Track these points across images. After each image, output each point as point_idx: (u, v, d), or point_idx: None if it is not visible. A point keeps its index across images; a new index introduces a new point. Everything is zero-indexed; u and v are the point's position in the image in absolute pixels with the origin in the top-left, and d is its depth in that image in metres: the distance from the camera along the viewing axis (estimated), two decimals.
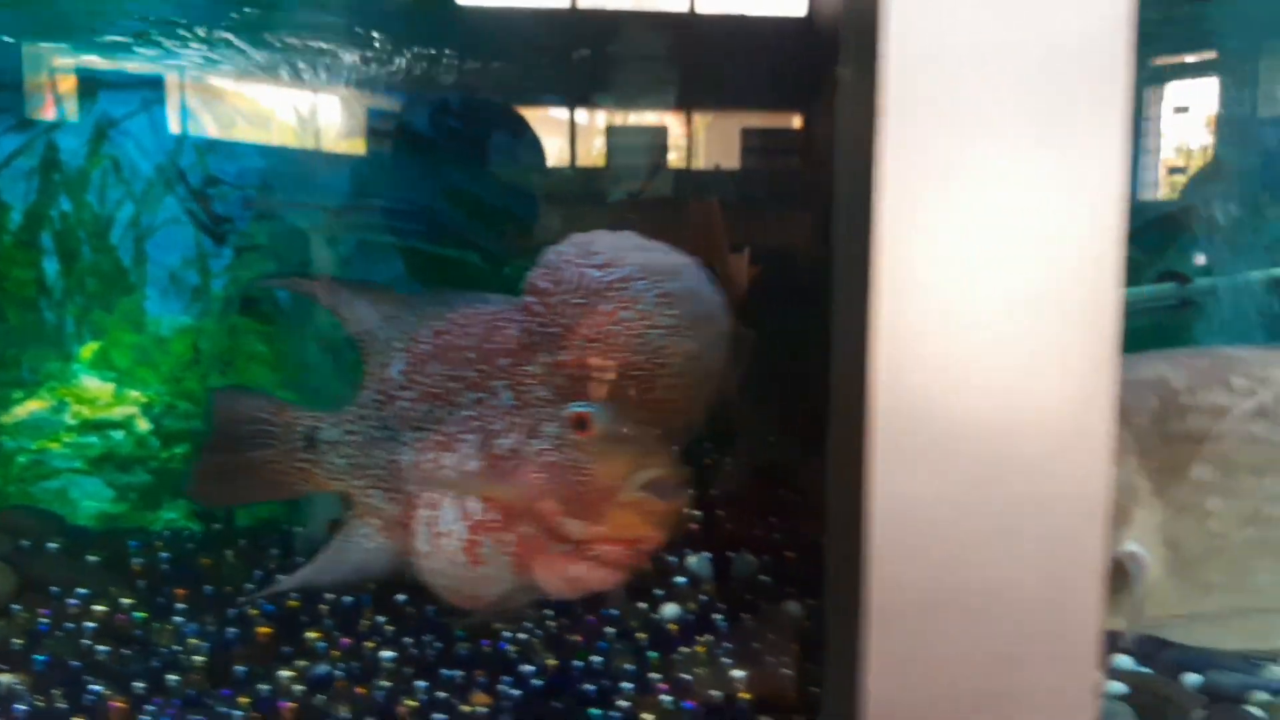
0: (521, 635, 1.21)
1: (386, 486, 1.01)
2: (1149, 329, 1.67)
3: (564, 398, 0.91)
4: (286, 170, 1.66)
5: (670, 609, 1.25)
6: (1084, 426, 0.67)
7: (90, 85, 1.63)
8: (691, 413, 0.93)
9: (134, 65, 1.63)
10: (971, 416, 0.66)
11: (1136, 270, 1.75)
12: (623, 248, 0.93)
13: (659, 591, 1.29)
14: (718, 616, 1.24)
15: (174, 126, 1.62)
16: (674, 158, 1.73)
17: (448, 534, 0.94)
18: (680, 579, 1.31)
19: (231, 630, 1.24)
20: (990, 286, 0.66)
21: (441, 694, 1.11)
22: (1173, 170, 1.92)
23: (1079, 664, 0.68)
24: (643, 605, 1.27)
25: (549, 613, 1.24)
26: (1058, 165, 0.65)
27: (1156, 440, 0.88)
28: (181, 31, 1.55)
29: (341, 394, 1.13)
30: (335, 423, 1.07)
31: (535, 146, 1.76)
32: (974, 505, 0.66)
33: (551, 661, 1.15)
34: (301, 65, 1.60)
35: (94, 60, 1.63)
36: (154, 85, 1.62)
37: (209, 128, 1.63)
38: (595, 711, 1.03)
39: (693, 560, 1.35)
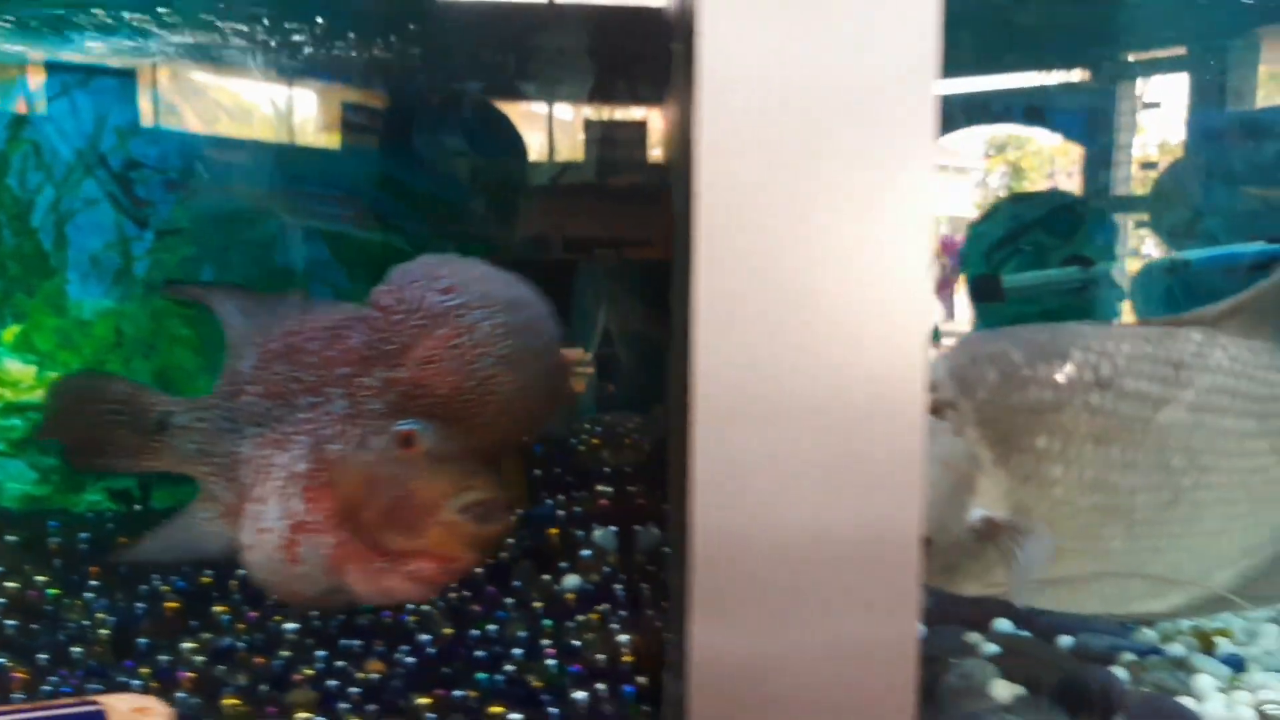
0: (425, 607, 1.24)
1: (227, 475, 1.05)
2: (1055, 310, 1.73)
3: (395, 413, 0.94)
4: (210, 154, 1.67)
5: (571, 580, 1.29)
6: (900, 391, 0.71)
7: (9, 69, 1.64)
8: (518, 441, 0.98)
9: (55, 49, 1.63)
10: (790, 383, 0.69)
11: (1045, 254, 1.81)
12: (468, 276, 0.98)
13: (564, 564, 1.33)
14: (617, 586, 1.28)
15: (95, 110, 1.62)
16: (603, 148, 1.76)
17: (270, 530, 0.98)
18: (585, 551, 1.35)
19: (140, 605, 1.27)
20: (807, 270, 0.69)
21: (339, 663, 1.14)
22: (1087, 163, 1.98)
23: (899, 613, 0.72)
24: (546, 577, 1.31)
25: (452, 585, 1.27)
26: (870, 159, 0.69)
27: (996, 411, 0.92)
28: (103, 15, 1.56)
29: None
30: (189, 409, 1.11)
31: (464, 133, 1.79)
32: (794, 463, 0.70)
33: (448, 630, 1.18)
34: (225, 50, 1.62)
35: (14, 44, 1.64)
36: (74, 69, 1.63)
37: (130, 111, 1.64)
38: (482, 676, 1.07)
39: (599, 534, 1.39)
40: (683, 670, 0.71)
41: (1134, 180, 1.76)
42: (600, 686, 1.02)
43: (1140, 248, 1.77)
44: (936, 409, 0.91)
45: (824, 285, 0.69)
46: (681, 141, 0.74)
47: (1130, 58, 1.84)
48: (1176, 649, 1.20)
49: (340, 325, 1.02)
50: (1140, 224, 1.80)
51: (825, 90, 0.68)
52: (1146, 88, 1.90)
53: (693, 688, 0.70)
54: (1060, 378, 0.92)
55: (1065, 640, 1.21)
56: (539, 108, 1.78)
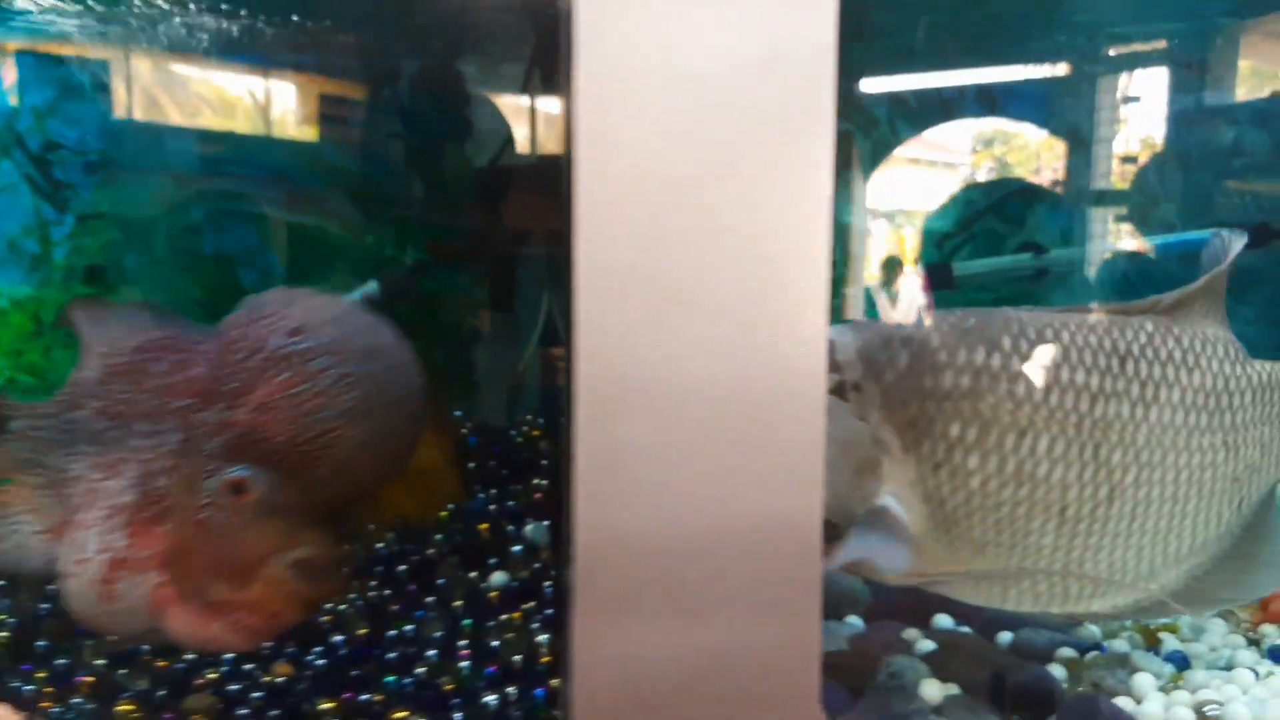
0: (341, 606, 1.19)
1: (55, 492, 0.99)
2: (1008, 297, 1.69)
3: (230, 456, 0.89)
4: (132, 136, 1.61)
5: (498, 577, 1.24)
6: (797, 378, 0.66)
7: None
8: (358, 497, 0.95)
9: None
10: (678, 369, 0.65)
11: (998, 241, 1.77)
12: (321, 318, 0.93)
13: (492, 560, 1.28)
14: (546, 583, 1.23)
15: (10, 90, 1.56)
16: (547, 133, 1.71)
17: (88, 560, 0.92)
18: (516, 547, 1.30)
19: (44, 606, 1.21)
20: (696, 250, 0.64)
21: (247, 665, 1.09)
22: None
23: (799, 612, 0.68)
24: (472, 574, 1.26)
25: (372, 582, 1.22)
26: (766, 135, 0.64)
27: (905, 396, 0.88)
28: None
29: None
30: (26, 414, 1.04)
31: (401, 115, 1.73)
32: (683, 453, 0.65)
33: (363, 630, 1.13)
34: (148, 28, 1.55)
35: None
36: None
37: (48, 91, 1.57)
38: (390, 679, 1.02)
39: (530, 528, 1.34)
40: (567, 672, 0.66)
41: (1100, 169, 1.72)
42: (510, 690, 0.98)
43: (1100, 235, 1.74)
44: (839, 390, 0.87)
45: (715, 267, 0.64)
46: (565, 109, 0.69)
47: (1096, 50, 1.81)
48: (1120, 645, 1.17)
49: (186, 351, 0.96)
50: (1098, 211, 1.77)
51: (718, 58, 0.63)
52: (1120, 81, 1.87)
53: (575, 691, 0.65)
54: (981, 364, 0.88)
55: (1005, 636, 1.17)
56: (481, 90, 1.72)
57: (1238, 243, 1.08)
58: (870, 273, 1.82)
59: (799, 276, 0.66)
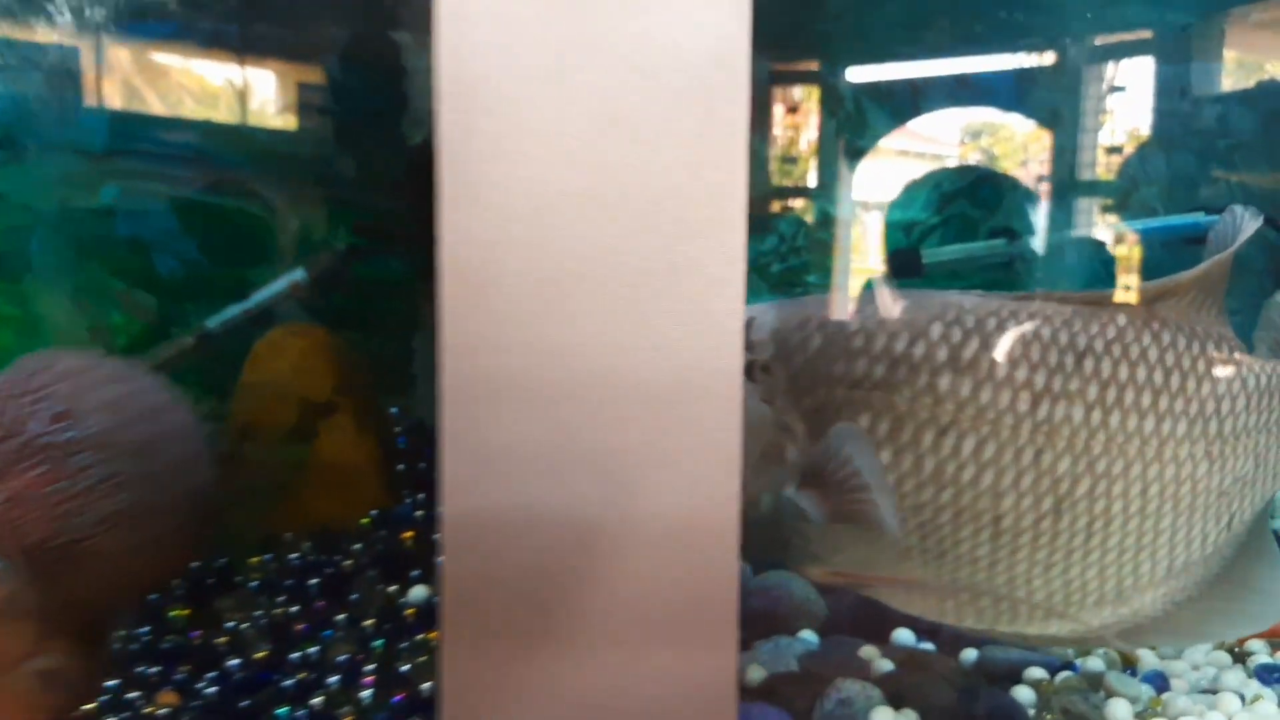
0: (244, 625, 1.08)
1: None
2: (981, 285, 1.60)
3: None
4: (38, 111, 1.48)
5: (418, 592, 1.14)
6: (712, 366, 0.56)
7: None
8: (120, 605, 0.86)
9: None
10: (568, 362, 0.54)
11: (971, 226, 1.68)
12: (94, 401, 0.82)
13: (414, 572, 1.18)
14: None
15: None
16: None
17: None
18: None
19: None
20: (585, 222, 0.54)
21: (131, 694, 0.98)
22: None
23: (712, 637, 0.58)
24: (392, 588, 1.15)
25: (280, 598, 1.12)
26: (668, 90, 0.54)
27: (812, 381, 0.78)
28: None
29: None
30: None
31: (330, 87, 1.61)
32: (577, 456, 0.55)
33: (261, 654, 1.02)
34: None
35: None
36: None
37: None
38: (282, 711, 0.91)
39: None
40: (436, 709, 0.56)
41: (1079, 153, 1.64)
42: None
43: (1085, 223, 1.65)
44: (749, 370, 0.77)
45: (610, 242, 0.54)
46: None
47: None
48: (1095, 663, 1.07)
49: None
50: (1073, 193, 1.68)
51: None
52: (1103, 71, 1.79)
53: None
54: (899, 352, 0.78)
55: (970, 654, 1.07)
56: (417, 63, 1.61)
57: (1251, 224, 0.95)
58: (839, 260, 1.73)
59: (711, 253, 0.55)
